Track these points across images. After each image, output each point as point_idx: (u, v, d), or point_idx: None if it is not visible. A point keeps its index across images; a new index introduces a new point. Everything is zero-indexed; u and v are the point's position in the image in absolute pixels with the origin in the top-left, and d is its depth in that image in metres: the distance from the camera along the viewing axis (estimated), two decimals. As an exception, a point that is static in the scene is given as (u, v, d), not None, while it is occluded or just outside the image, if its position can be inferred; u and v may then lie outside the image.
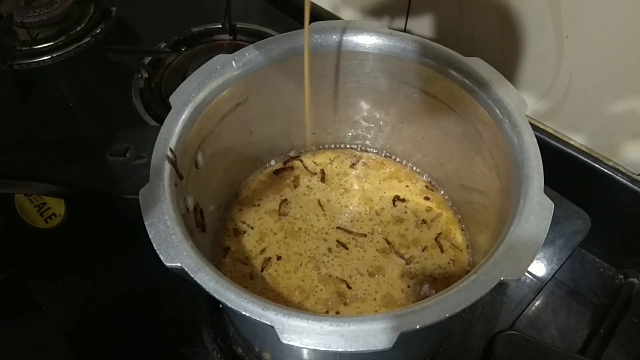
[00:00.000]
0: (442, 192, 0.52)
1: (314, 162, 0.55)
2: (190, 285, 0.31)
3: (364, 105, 0.51)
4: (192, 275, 0.31)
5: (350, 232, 0.49)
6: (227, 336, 0.47)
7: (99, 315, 0.49)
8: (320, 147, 0.56)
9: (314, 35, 0.44)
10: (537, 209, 0.33)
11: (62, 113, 0.65)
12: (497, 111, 0.39)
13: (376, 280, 0.46)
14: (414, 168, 0.54)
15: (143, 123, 0.62)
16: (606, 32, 0.46)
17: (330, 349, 0.28)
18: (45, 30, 0.74)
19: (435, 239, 0.49)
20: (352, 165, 0.55)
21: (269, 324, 0.29)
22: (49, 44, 0.72)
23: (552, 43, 0.50)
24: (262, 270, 0.47)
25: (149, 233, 0.33)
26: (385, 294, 0.45)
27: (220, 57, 0.42)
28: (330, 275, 0.46)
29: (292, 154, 0.55)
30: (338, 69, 0.46)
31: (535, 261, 0.48)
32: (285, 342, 0.28)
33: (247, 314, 0.29)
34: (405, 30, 0.63)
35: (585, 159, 0.54)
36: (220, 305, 0.48)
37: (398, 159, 0.55)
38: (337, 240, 0.49)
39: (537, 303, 0.52)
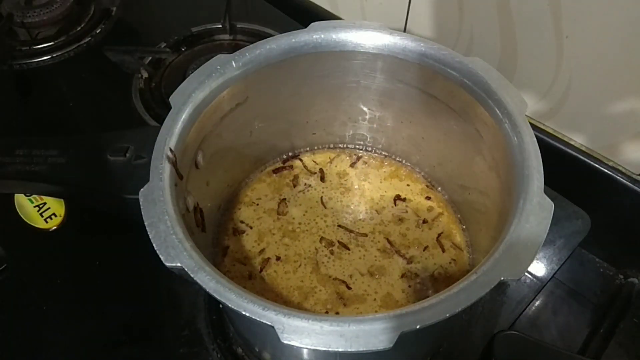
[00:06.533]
0: (442, 192, 0.52)
1: (314, 162, 0.55)
2: (190, 285, 0.31)
3: (364, 105, 0.51)
4: (192, 275, 0.31)
5: (351, 232, 0.49)
6: (227, 336, 0.47)
7: (98, 315, 0.49)
8: (320, 146, 0.56)
9: (313, 35, 0.44)
10: (537, 209, 0.33)
11: (62, 113, 0.65)
12: (497, 111, 0.39)
13: (377, 281, 0.46)
14: (414, 168, 0.54)
15: (143, 123, 0.62)
16: (606, 32, 0.46)
17: (330, 349, 0.28)
18: (45, 30, 0.74)
19: (437, 238, 0.49)
20: (353, 165, 0.55)
21: (269, 324, 0.29)
22: (49, 44, 0.72)
23: (552, 43, 0.50)
24: (261, 271, 0.47)
25: (149, 233, 0.32)
26: (386, 294, 0.45)
27: (220, 57, 0.42)
28: (329, 276, 0.46)
29: (292, 153, 0.55)
30: (338, 69, 0.46)
31: (535, 261, 0.48)
32: (285, 342, 0.28)
33: (247, 314, 0.29)
34: (405, 30, 0.63)
35: (585, 159, 0.54)
36: (220, 305, 0.48)
37: (398, 159, 0.55)
38: (338, 241, 0.48)
39: (537, 303, 0.52)
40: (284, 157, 0.55)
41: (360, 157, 0.55)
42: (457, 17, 0.56)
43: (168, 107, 0.39)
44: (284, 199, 0.52)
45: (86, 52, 0.72)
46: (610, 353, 0.48)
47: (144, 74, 0.67)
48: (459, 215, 0.50)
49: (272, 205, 0.51)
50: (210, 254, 0.47)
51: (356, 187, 0.53)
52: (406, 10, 0.61)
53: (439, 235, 0.49)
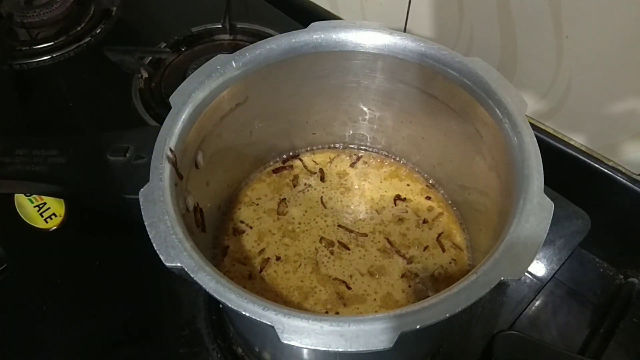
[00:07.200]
0: (442, 192, 0.52)
1: (314, 161, 0.55)
2: (190, 285, 0.31)
3: (364, 105, 0.51)
4: (192, 275, 0.31)
5: (351, 232, 0.49)
6: (227, 336, 0.47)
7: (98, 315, 0.49)
8: (320, 146, 0.56)
9: (313, 35, 0.44)
10: (537, 209, 0.33)
11: (62, 113, 0.65)
12: (497, 111, 0.39)
13: (377, 281, 0.46)
14: (414, 168, 0.54)
15: (143, 123, 0.62)
16: (606, 32, 0.46)
17: (330, 349, 0.28)
18: (45, 30, 0.74)
19: (437, 238, 0.49)
20: (353, 165, 0.55)
21: (269, 324, 0.29)
22: (49, 44, 0.72)
23: (552, 43, 0.50)
24: (261, 271, 0.47)
25: (149, 233, 0.32)
26: (386, 294, 0.45)
27: (220, 57, 0.42)
28: (329, 276, 0.46)
29: (292, 153, 0.55)
30: (338, 69, 0.46)
31: (535, 261, 0.48)
32: (285, 342, 0.28)
33: (247, 314, 0.29)
34: (405, 30, 0.63)
35: (585, 159, 0.54)
36: (220, 305, 0.48)
37: (398, 159, 0.55)
38: (338, 241, 0.48)
39: (537, 303, 0.52)
40: (284, 157, 0.55)
41: (360, 157, 0.55)
42: (457, 17, 0.56)
43: (168, 107, 0.39)
44: (284, 199, 0.52)
45: (86, 52, 0.72)
46: (610, 353, 0.48)
47: (144, 74, 0.67)
48: (459, 215, 0.50)
49: (272, 205, 0.51)
50: (210, 254, 0.47)
51: (356, 187, 0.53)
52: (406, 10, 0.61)
53: (439, 235, 0.49)
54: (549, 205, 0.34)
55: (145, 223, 0.33)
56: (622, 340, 0.49)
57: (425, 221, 0.50)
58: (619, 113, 0.49)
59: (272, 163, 0.54)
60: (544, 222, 0.33)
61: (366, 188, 0.53)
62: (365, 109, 0.51)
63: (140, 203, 0.34)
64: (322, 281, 0.46)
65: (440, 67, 0.42)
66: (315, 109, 0.51)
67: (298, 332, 0.29)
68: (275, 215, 0.51)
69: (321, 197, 0.52)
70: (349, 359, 0.36)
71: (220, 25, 0.73)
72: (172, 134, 0.38)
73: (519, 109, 0.38)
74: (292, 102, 0.49)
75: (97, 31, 0.74)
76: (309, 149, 0.56)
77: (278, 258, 0.47)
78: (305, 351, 0.38)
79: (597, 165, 0.53)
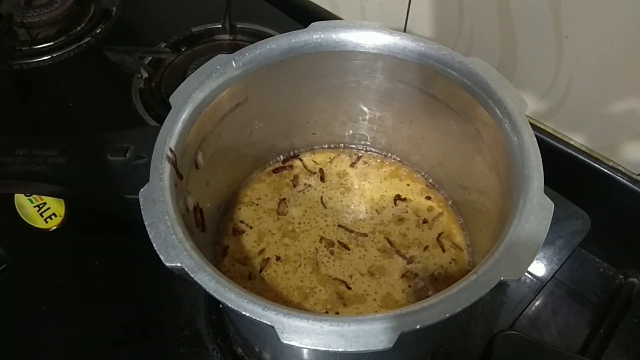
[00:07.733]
0: (442, 192, 0.52)
1: (314, 161, 0.55)
2: (190, 285, 0.31)
3: (364, 105, 0.51)
4: (192, 275, 0.31)
5: (351, 231, 0.49)
6: (227, 336, 0.47)
7: (98, 315, 0.49)
8: (320, 146, 0.56)
9: (313, 35, 0.44)
10: (537, 209, 0.33)
11: (62, 113, 0.65)
12: (497, 111, 0.39)
13: (377, 281, 0.46)
14: (414, 168, 0.54)
15: (143, 123, 0.62)
16: (606, 32, 0.46)
17: (330, 349, 0.28)
18: (45, 30, 0.74)
19: (437, 238, 0.49)
20: (353, 165, 0.55)
21: (269, 324, 0.29)
22: (49, 44, 0.72)
23: (552, 43, 0.50)
24: (260, 271, 0.47)
25: (149, 233, 0.32)
26: (386, 294, 0.45)
27: (220, 57, 0.42)
28: (329, 276, 0.46)
29: (292, 153, 0.55)
30: (338, 69, 0.46)
31: (535, 261, 0.48)
32: (285, 342, 0.28)
33: (247, 314, 0.29)
34: (405, 30, 0.63)
35: (585, 159, 0.54)
36: (220, 305, 0.48)
37: (398, 159, 0.55)
38: (338, 241, 0.48)
39: (537, 303, 0.52)
40: (284, 157, 0.55)
41: (360, 157, 0.55)
42: (457, 17, 0.56)
43: (168, 107, 0.39)
44: (284, 199, 0.52)
45: (86, 52, 0.72)
46: (610, 353, 0.49)
47: (144, 74, 0.67)
48: (459, 215, 0.50)
49: (272, 205, 0.51)
50: (210, 254, 0.47)
51: (356, 187, 0.53)
52: (406, 10, 0.61)
53: (439, 235, 0.49)
54: (549, 205, 0.34)
55: (145, 223, 0.33)
56: (622, 340, 0.49)
57: (425, 221, 0.50)
58: (619, 113, 0.49)
59: (272, 163, 0.54)
60: (544, 222, 0.33)
61: (366, 188, 0.53)
62: (365, 109, 0.51)
63: (140, 203, 0.34)
64: (322, 281, 0.46)
65: (440, 67, 0.42)
66: (315, 109, 0.51)
67: (298, 332, 0.29)
68: (275, 215, 0.51)
69: (321, 197, 0.52)
70: (349, 359, 0.36)
71: (220, 25, 0.73)
72: (172, 134, 0.38)
73: (519, 109, 0.38)
74: (292, 102, 0.49)
75: (97, 31, 0.74)
76: (309, 149, 0.56)
77: (278, 258, 0.47)
78: (305, 351, 0.38)
79: (597, 165, 0.53)
